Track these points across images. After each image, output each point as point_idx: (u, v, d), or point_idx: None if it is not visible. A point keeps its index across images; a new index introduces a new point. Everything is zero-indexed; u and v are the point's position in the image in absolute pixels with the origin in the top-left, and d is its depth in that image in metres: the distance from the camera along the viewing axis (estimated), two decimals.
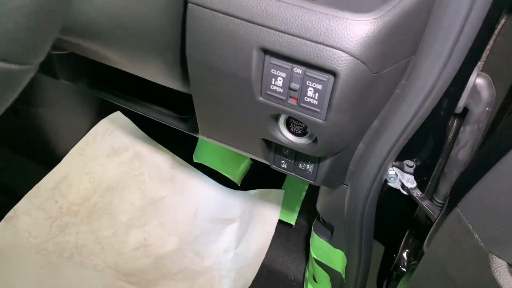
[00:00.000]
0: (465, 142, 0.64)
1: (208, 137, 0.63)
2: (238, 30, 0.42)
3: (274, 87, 0.45)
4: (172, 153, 1.21)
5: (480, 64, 0.58)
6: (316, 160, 0.56)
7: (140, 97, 0.78)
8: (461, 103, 0.59)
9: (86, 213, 1.10)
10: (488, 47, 0.56)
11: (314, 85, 0.42)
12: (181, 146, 1.20)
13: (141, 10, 0.45)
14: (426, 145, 0.66)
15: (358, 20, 0.38)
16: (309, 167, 0.57)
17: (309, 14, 0.39)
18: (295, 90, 0.43)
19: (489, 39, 0.53)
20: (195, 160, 1.16)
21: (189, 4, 0.44)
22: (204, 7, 0.43)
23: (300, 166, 0.57)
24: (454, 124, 0.65)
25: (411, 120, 0.52)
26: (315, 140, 0.49)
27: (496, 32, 0.55)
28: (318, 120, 0.45)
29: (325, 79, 0.41)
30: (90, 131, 1.16)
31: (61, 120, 1.15)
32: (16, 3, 0.20)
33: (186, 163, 1.20)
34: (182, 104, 0.74)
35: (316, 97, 0.43)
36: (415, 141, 0.55)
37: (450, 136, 0.67)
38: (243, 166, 1.14)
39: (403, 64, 0.46)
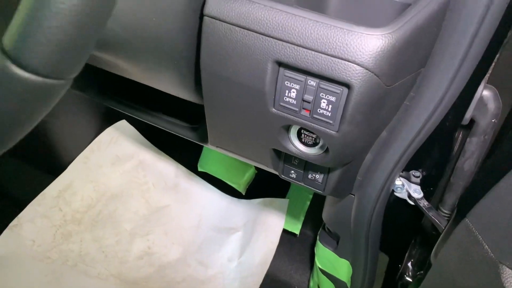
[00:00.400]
0: (471, 153, 0.64)
1: (217, 146, 0.64)
2: (253, 43, 0.43)
3: (288, 99, 0.46)
4: (176, 162, 1.21)
5: (486, 76, 0.59)
6: (326, 170, 0.56)
7: (148, 106, 0.78)
8: (468, 115, 0.60)
9: (90, 221, 1.10)
10: (494, 59, 0.57)
11: (328, 97, 0.43)
12: (185, 155, 1.21)
13: (159, 24, 0.45)
14: (432, 156, 0.67)
15: (373, 35, 0.38)
16: (319, 177, 0.57)
17: (324, 28, 0.40)
18: (308, 102, 0.44)
19: (497, 53, 0.54)
20: (199, 169, 1.17)
21: (205, 17, 0.44)
22: (220, 20, 0.44)
23: (310, 176, 0.58)
24: (461, 135, 0.66)
25: (419, 131, 0.53)
26: (326, 151, 0.50)
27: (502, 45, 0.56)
28: (330, 131, 0.45)
29: (339, 91, 0.42)
30: (95, 140, 1.16)
31: (66, 129, 1.15)
32: (60, 21, 0.20)
33: (190, 172, 1.20)
34: (190, 113, 0.75)
35: (329, 109, 0.44)
36: (421, 152, 0.56)
37: (456, 146, 0.67)
38: (248, 175, 1.15)
39: (413, 77, 0.47)
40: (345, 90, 0.42)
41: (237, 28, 0.43)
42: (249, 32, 0.43)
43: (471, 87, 0.57)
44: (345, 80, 0.40)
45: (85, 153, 1.14)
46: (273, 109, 0.47)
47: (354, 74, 0.40)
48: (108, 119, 1.18)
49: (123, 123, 1.19)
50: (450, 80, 0.48)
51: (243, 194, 1.15)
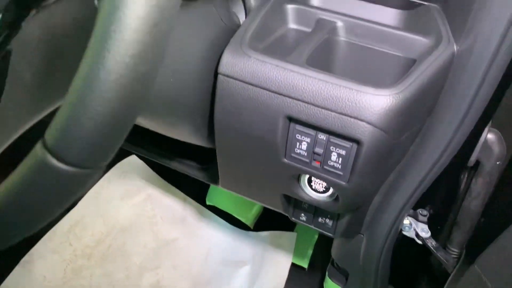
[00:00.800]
0: (477, 194, 0.65)
1: (228, 189, 0.66)
2: (265, 100, 0.45)
3: (299, 150, 0.47)
4: (184, 194, 1.22)
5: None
6: (335, 214, 0.58)
7: (157, 145, 0.80)
8: (473, 157, 0.61)
9: (100, 255, 1.11)
10: (499, 105, 0.59)
11: (338, 150, 0.45)
12: (194, 187, 1.22)
13: (176, 83, 0.48)
14: (439, 195, 0.68)
15: (381, 95, 0.40)
16: (328, 221, 0.59)
17: (333, 88, 0.42)
18: (319, 154, 0.46)
19: (501, 100, 0.56)
20: (208, 203, 1.18)
21: (219, 76, 0.47)
22: (234, 78, 0.46)
23: (320, 220, 0.59)
24: (466, 176, 0.68)
25: (426, 175, 0.54)
26: (336, 198, 0.51)
27: None
28: (341, 182, 0.47)
29: (349, 146, 0.44)
30: (105, 175, 1.18)
31: None
32: (97, 122, 0.22)
33: (198, 204, 1.21)
34: (200, 153, 0.76)
35: (339, 162, 0.45)
36: (428, 191, 0.57)
37: (462, 186, 0.69)
38: (256, 209, 1.16)
39: (419, 127, 0.49)
40: (355, 145, 0.43)
41: (250, 86, 0.45)
42: (262, 90, 0.45)
43: (476, 131, 0.59)
44: (355, 137, 0.42)
45: (96, 189, 1.16)
46: (285, 159, 0.49)
47: (363, 131, 0.42)
48: (117, 154, 1.19)
49: (133, 157, 1.21)
50: (455, 128, 0.50)
51: (252, 227, 1.16)
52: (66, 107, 0.23)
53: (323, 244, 1.11)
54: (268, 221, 1.18)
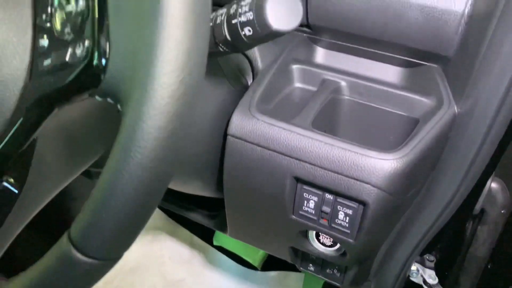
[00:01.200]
0: (483, 240, 0.66)
1: (236, 238, 0.66)
2: (273, 160, 0.47)
3: (306, 208, 0.48)
4: (191, 234, 1.23)
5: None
6: (343, 266, 0.58)
7: (166, 191, 0.81)
8: (478, 206, 0.62)
9: None
10: (502, 156, 0.60)
11: (345, 210, 0.46)
12: (201, 227, 1.22)
13: (188, 145, 0.49)
14: (445, 241, 0.69)
15: (386, 159, 0.42)
16: (336, 272, 0.59)
17: (339, 152, 0.43)
18: (326, 213, 0.47)
19: (504, 150, 0.57)
20: (215, 243, 1.18)
21: (228, 137, 0.48)
22: (242, 139, 0.48)
23: (328, 270, 0.60)
24: (472, 223, 0.68)
25: (433, 224, 0.55)
26: (344, 253, 0.52)
27: None
28: (348, 239, 0.48)
29: (355, 206, 0.45)
30: None
31: (81, 201, 1.18)
32: (119, 222, 0.24)
33: (206, 244, 1.22)
34: (209, 199, 0.78)
35: (346, 220, 0.46)
36: (435, 237, 0.57)
37: (469, 232, 0.69)
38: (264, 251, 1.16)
39: (423, 183, 0.50)
40: (361, 206, 0.45)
41: (258, 147, 0.47)
42: (269, 151, 0.47)
43: (480, 181, 0.60)
44: (361, 199, 0.43)
45: None
46: (293, 216, 0.50)
47: (369, 193, 0.43)
48: None
49: None
50: (459, 182, 0.50)
51: (259, 269, 1.16)
52: (91, 205, 0.24)
53: (331, 285, 1.11)
54: (275, 261, 1.18)
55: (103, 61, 0.24)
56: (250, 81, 0.54)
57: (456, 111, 0.46)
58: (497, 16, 0.40)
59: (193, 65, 0.22)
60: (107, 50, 0.24)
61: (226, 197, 0.55)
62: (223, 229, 0.70)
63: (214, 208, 0.77)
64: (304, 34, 0.56)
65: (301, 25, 0.54)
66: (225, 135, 0.49)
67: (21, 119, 0.28)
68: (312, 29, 0.54)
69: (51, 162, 0.34)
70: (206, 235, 1.22)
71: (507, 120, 0.45)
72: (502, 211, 0.62)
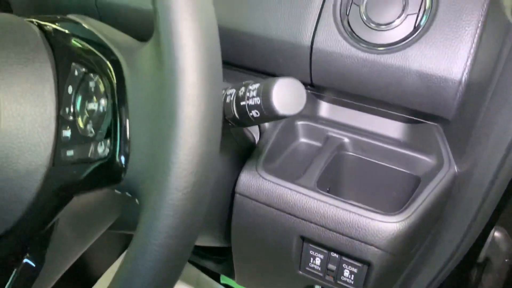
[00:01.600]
0: None
1: (244, 286, 0.67)
2: (279, 219, 0.48)
3: (313, 265, 0.50)
4: (198, 270, 1.23)
5: None
6: None
7: None
8: (482, 255, 0.63)
9: None
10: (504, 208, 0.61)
11: (350, 268, 0.47)
12: (208, 263, 1.23)
13: None
14: None
15: (389, 222, 0.43)
16: None
17: (344, 214, 0.45)
18: (332, 270, 0.48)
19: (507, 201, 0.58)
20: (222, 282, 1.19)
21: (236, 195, 0.50)
22: (249, 198, 0.49)
23: None
24: (477, 270, 0.69)
25: (437, 274, 0.55)
26: None
27: None
28: None
29: (360, 265, 0.46)
30: (123, 254, 1.20)
31: (94, 245, 1.20)
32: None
33: (212, 280, 1.22)
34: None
35: (352, 278, 0.48)
36: (441, 284, 0.58)
37: (474, 280, 0.70)
38: None
39: (426, 237, 0.51)
40: (365, 266, 0.46)
41: (264, 206, 0.49)
42: (275, 210, 0.48)
43: (484, 232, 0.61)
44: (365, 259, 0.45)
45: (113, 268, 1.18)
46: (299, 271, 0.51)
47: (373, 255, 0.44)
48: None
49: None
50: (462, 236, 0.51)
51: None
52: (115, 285, 0.26)
53: None
54: None
55: (123, 160, 0.26)
56: (257, 138, 0.56)
57: (456, 171, 0.47)
58: (494, 85, 0.42)
59: (206, 168, 0.24)
60: (127, 151, 0.26)
61: (234, 249, 0.56)
62: (231, 275, 0.71)
63: (222, 252, 0.78)
64: (309, 91, 0.58)
65: (305, 83, 0.56)
66: (233, 192, 0.51)
67: (43, 204, 0.29)
68: (316, 88, 0.56)
69: (70, 236, 0.36)
70: (213, 272, 1.22)
71: (506, 180, 0.46)
72: (506, 260, 0.63)
